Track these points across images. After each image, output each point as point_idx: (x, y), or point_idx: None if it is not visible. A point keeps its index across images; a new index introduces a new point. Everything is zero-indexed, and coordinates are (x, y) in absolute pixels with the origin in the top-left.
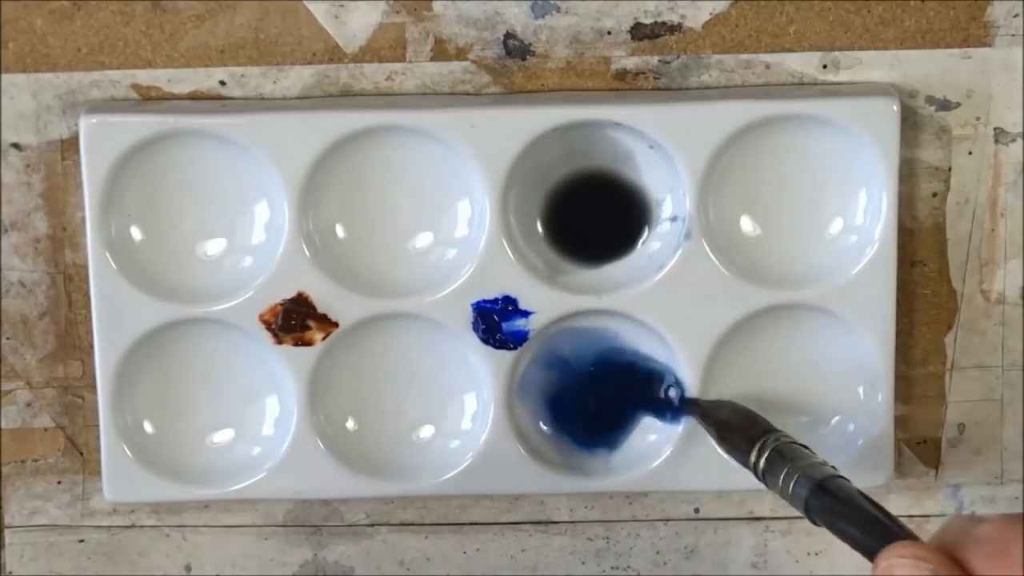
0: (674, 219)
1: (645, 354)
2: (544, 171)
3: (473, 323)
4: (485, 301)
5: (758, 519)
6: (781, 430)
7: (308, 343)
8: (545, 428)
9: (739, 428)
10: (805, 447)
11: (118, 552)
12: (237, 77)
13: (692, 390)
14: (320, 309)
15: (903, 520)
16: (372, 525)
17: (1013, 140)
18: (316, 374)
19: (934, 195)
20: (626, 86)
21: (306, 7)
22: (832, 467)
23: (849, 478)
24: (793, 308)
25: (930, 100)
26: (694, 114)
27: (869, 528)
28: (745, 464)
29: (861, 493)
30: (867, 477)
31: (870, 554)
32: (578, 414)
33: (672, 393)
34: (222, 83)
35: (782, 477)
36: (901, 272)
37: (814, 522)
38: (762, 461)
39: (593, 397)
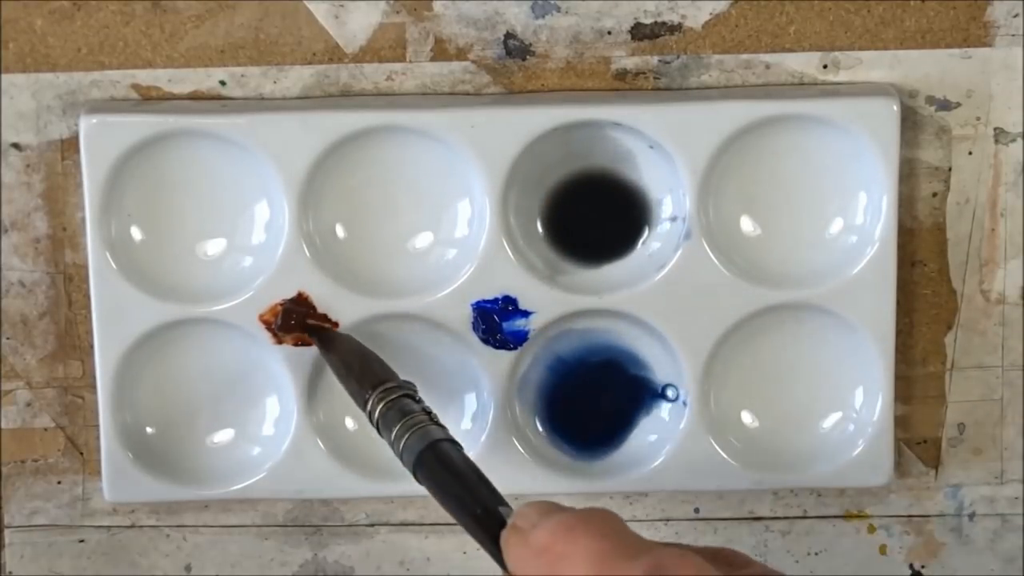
0: (674, 219)
1: (642, 360)
2: (544, 171)
3: (473, 323)
4: (485, 301)
5: (758, 519)
6: (405, 382)
7: (308, 343)
8: (545, 428)
9: (358, 372)
10: (421, 405)
11: (118, 552)
12: (237, 77)
13: (692, 390)
14: (320, 309)
15: (904, 520)
16: (372, 525)
17: (1013, 140)
18: (316, 374)
19: (934, 195)
20: (626, 86)
21: (306, 7)
22: (443, 429)
23: (460, 444)
24: (793, 308)
25: (930, 100)
26: (694, 114)
27: (469, 512)
28: (362, 408)
29: (467, 468)
30: (867, 477)
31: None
32: (578, 414)
33: (670, 393)
34: (222, 83)
35: (394, 433)
36: (901, 272)
37: (422, 484)
38: (377, 412)
39: (593, 397)
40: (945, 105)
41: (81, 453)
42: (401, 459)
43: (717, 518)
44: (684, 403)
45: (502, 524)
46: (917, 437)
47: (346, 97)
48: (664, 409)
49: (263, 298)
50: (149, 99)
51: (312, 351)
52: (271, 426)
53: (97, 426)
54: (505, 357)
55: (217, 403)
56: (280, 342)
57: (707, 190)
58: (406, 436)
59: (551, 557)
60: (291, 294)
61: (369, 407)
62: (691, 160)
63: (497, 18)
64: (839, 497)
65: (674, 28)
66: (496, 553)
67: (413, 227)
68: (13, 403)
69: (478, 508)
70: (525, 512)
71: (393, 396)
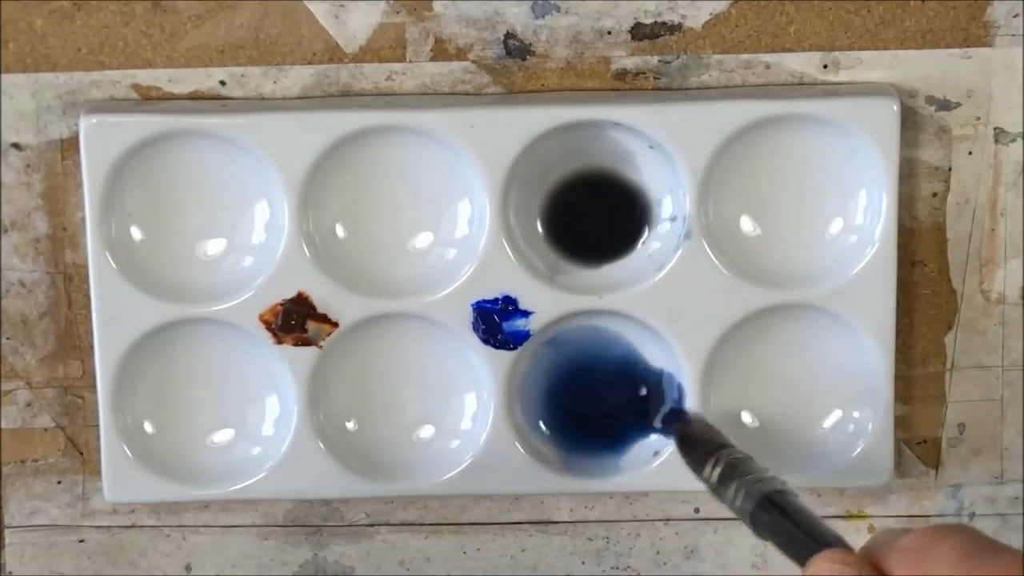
0: (674, 219)
1: (645, 361)
2: (544, 171)
3: (473, 323)
4: (485, 301)
5: None
6: (735, 446)
7: (308, 343)
8: (545, 428)
9: (697, 442)
10: (754, 462)
11: (118, 552)
12: (237, 77)
13: (692, 390)
14: (320, 309)
15: (904, 520)
16: (372, 525)
17: (1013, 140)
18: (316, 374)
19: (934, 195)
20: (626, 86)
21: (306, 7)
22: (781, 481)
23: (796, 493)
24: (793, 308)
25: (930, 100)
26: (694, 114)
27: (806, 541)
28: (699, 476)
29: (804, 507)
30: (867, 477)
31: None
32: (578, 414)
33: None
34: (222, 83)
35: (732, 490)
36: (901, 272)
37: (761, 536)
38: (715, 475)
39: (593, 397)
40: (945, 105)
41: (81, 453)
42: (740, 514)
43: (717, 518)
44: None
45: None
46: (917, 437)
47: (346, 97)
48: (664, 409)
49: (263, 298)
50: (149, 99)
51: (312, 351)
52: (271, 426)
53: (97, 426)
54: (505, 357)
55: (217, 403)
56: (280, 342)
57: (707, 190)
58: (744, 491)
59: (918, 555)
60: (291, 294)
61: (706, 473)
62: (691, 160)
63: (497, 18)
64: (839, 497)
65: (674, 28)
66: None
67: (413, 227)
68: (13, 403)
69: (825, 538)
70: (886, 530)
71: (730, 458)
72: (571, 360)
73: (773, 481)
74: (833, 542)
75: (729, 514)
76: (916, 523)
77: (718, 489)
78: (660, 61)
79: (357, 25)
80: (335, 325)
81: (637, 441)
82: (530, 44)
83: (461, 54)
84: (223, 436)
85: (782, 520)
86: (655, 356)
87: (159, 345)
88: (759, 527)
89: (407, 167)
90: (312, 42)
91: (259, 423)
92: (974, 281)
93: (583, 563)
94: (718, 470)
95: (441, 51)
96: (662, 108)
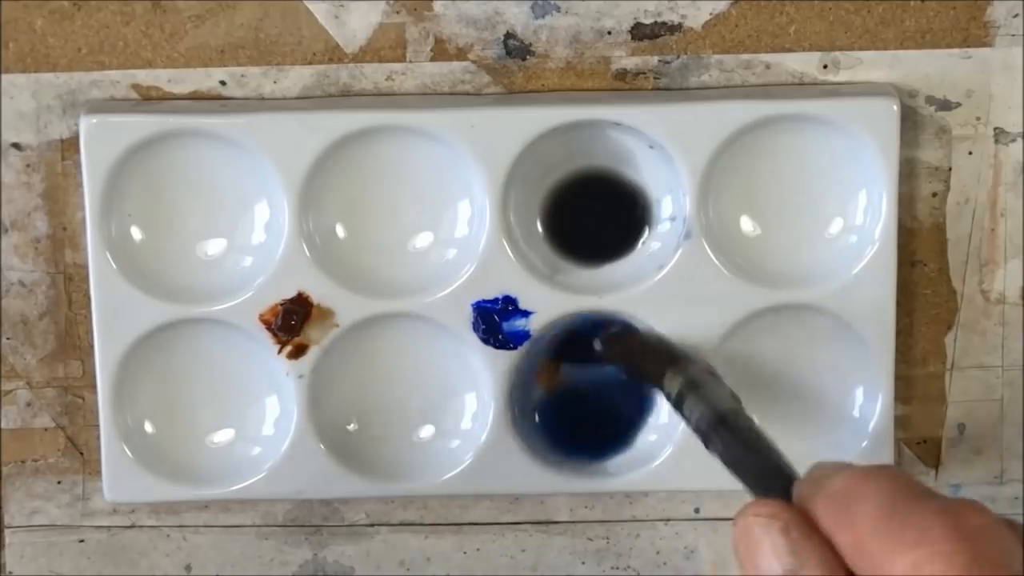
0: (674, 219)
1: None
2: (544, 171)
3: (473, 323)
4: (485, 301)
5: None
6: (696, 359)
7: (305, 348)
8: (545, 428)
9: (653, 355)
10: (715, 376)
11: (118, 552)
12: (237, 77)
13: None
14: (320, 309)
15: None
16: (372, 525)
17: (1013, 140)
18: (316, 374)
19: (934, 195)
20: (626, 86)
21: (306, 7)
22: (735, 399)
23: (749, 416)
24: (793, 308)
25: (930, 100)
26: (694, 114)
27: (752, 470)
28: (660, 388)
29: (756, 430)
30: None
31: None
32: (578, 414)
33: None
34: (222, 83)
35: (687, 406)
36: (901, 272)
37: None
38: (675, 388)
39: (593, 397)
40: (945, 105)
41: (81, 453)
42: (696, 431)
43: (717, 518)
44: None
45: (790, 480)
46: (917, 437)
47: (346, 97)
48: (664, 409)
49: (263, 298)
50: (149, 99)
51: (313, 351)
52: (271, 426)
53: (97, 426)
54: (505, 357)
55: (217, 403)
56: (283, 343)
57: (707, 190)
58: (698, 407)
59: (844, 502)
60: (291, 294)
61: (667, 387)
62: (691, 160)
63: (497, 18)
64: None
65: (674, 28)
66: None
67: (413, 227)
68: (13, 403)
69: (771, 465)
70: (822, 464)
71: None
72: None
73: (728, 399)
74: (776, 477)
75: (729, 514)
76: None
77: (677, 405)
78: (660, 61)
79: (357, 25)
80: (335, 325)
81: (637, 441)
82: (530, 44)
83: (461, 54)
84: (223, 436)
85: (732, 442)
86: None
87: (159, 345)
88: (710, 447)
89: (407, 167)
90: (312, 42)
91: (259, 423)
92: (974, 281)
93: (583, 563)
94: (677, 382)
95: (441, 51)
96: (662, 108)
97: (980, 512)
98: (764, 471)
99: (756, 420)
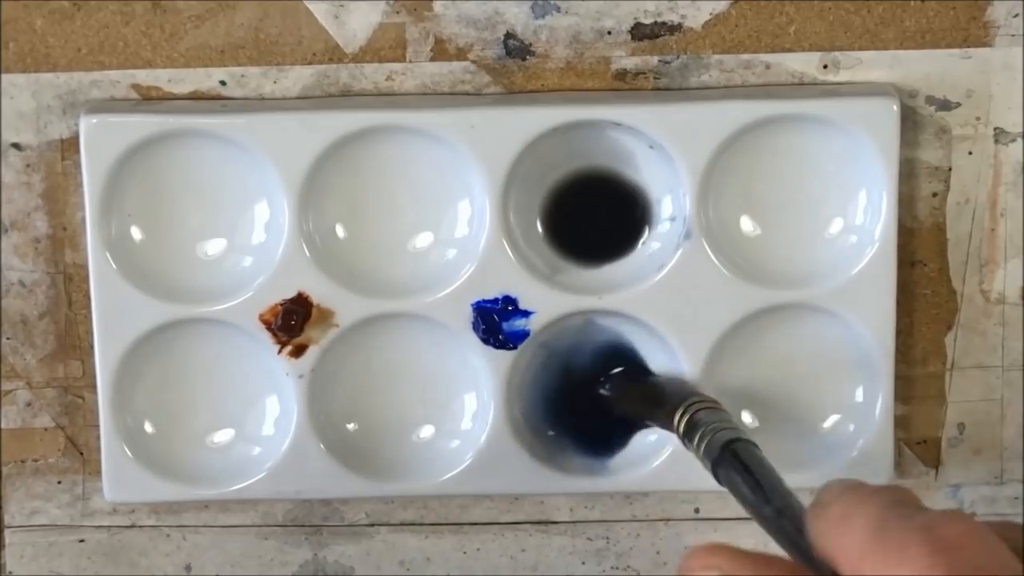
0: (674, 219)
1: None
2: (544, 171)
3: (473, 323)
4: (485, 301)
5: None
6: (704, 395)
7: (305, 348)
8: (545, 428)
9: (654, 404)
10: (720, 409)
11: (118, 552)
12: (237, 77)
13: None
14: (320, 309)
15: None
16: (372, 525)
17: (1013, 140)
18: (316, 374)
19: (934, 195)
20: (626, 86)
21: (306, 7)
22: (740, 431)
23: (755, 444)
24: (793, 308)
25: (930, 100)
26: (694, 114)
27: (755, 497)
28: (669, 428)
29: (760, 460)
30: (867, 477)
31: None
32: (578, 414)
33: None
34: (222, 83)
35: (696, 440)
36: (901, 272)
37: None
38: (682, 425)
39: (593, 397)
40: (945, 105)
41: (81, 453)
42: (703, 463)
43: (717, 518)
44: None
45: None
46: (917, 437)
47: (346, 97)
48: None
49: (263, 298)
50: (149, 99)
51: (313, 351)
52: (271, 426)
53: (97, 426)
54: (505, 357)
55: (217, 403)
56: (283, 343)
57: (707, 190)
58: (706, 440)
59: (840, 525)
60: (291, 294)
61: (676, 423)
62: (691, 160)
63: (497, 18)
64: None
65: (674, 28)
66: (799, 547)
67: (413, 227)
68: (13, 403)
69: (779, 502)
70: (830, 486)
71: (697, 408)
72: (571, 360)
73: (734, 431)
74: (777, 503)
75: (729, 514)
76: None
77: (684, 439)
78: (660, 61)
79: (357, 25)
80: (335, 325)
81: (637, 441)
82: (530, 44)
83: (461, 54)
84: (223, 436)
85: (738, 472)
86: (655, 356)
87: (159, 345)
88: (719, 479)
89: (407, 167)
90: (312, 42)
91: (259, 423)
92: (974, 281)
93: (583, 563)
94: (685, 420)
95: (441, 51)
96: (662, 108)
97: (959, 521)
98: (768, 505)
99: (759, 449)
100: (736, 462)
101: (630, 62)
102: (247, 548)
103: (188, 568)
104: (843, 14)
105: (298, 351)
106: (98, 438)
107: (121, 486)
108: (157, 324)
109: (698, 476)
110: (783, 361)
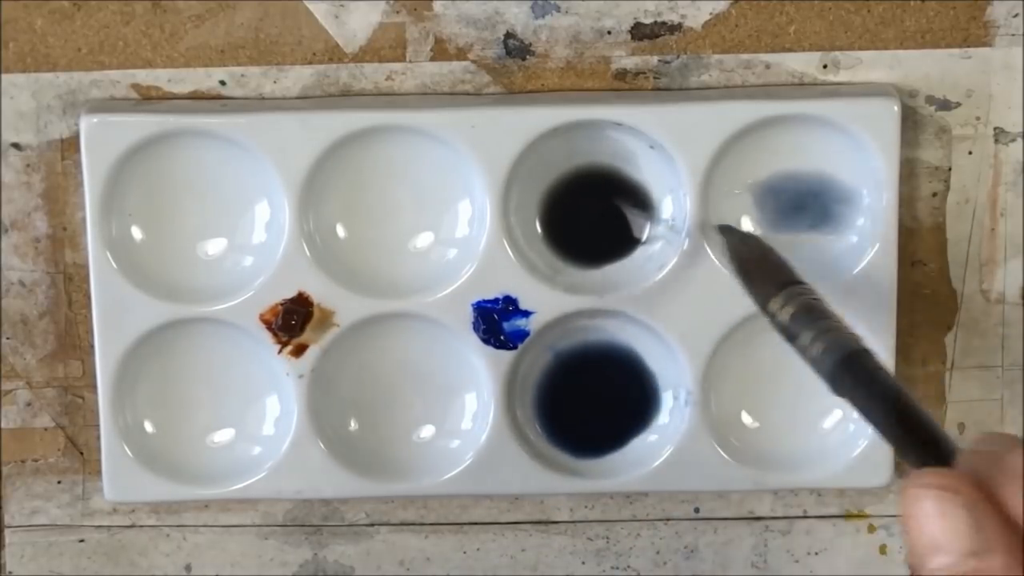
0: (674, 219)
1: (642, 360)
2: (544, 171)
3: (473, 323)
4: (485, 301)
5: (758, 519)
6: (806, 283)
7: (305, 348)
8: (545, 428)
9: (764, 270)
10: (828, 307)
11: (118, 552)
12: (237, 77)
13: (692, 390)
14: (320, 309)
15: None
16: (372, 525)
17: (1013, 140)
18: (316, 374)
19: (934, 195)
20: (626, 86)
21: (306, 7)
22: (859, 338)
23: (875, 352)
24: None
25: (930, 100)
26: (694, 114)
27: (894, 418)
28: (763, 309)
29: (888, 373)
30: (867, 477)
31: (899, 451)
32: (578, 413)
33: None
34: (222, 83)
35: (807, 338)
36: (901, 272)
37: (839, 394)
38: (784, 314)
39: (593, 396)
40: (945, 105)
41: (81, 453)
42: (813, 364)
43: (717, 518)
44: (684, 403)
45: (949, 451)
46: None
47: (346, 97)
48: (664, 409)
49: (263, 298)
50: (149, 99)
51: (313, 351)
52: (271, 426)
53: (97, 426)
54: (505, 357)
55: (217, 403)
56: (283, 343)
57: (707, 190)
58: (821, 342)
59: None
60: (291, 294)
61: (772, 308)
62: (691, 160)
63: (497, 18)
64: (839, 497)
65: (674, 28)
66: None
67: (413, 227)
68: (13, 403)
69: (925, 429)
70: (989, 437)
71: (801, 298)
72: (571, 360)
73: (854, 338)
74: (928, 439)
75: (729, 514)
76: None
77: (787, 329)
78: (660, 61)
79: (357, 25)
80: (335, 325)
81: (637, 441)
82: (530, 44)
83: (461, 54)
84: (223, 436)
85: (865, 384)
86: (655, 356)
87: (159, 345)
88: (840, 387)
89: (407, 167)
90: (312, 42)
91: (259, 423)
92: (974, 281)
93: (583, 563)
94: (789, 309)
95: (441, 51)
96: (662, 108)
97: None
98: (914, 433)
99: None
100: (864, 372)
101: (630, 62)
102: (247, 548)
103: (188, 568)
104: (843, 14)
105: (298, 351)
106: (98, 438)
107: (121, 486)
108: (157, 324)
109: (698, 476)
110: (783, 361)
